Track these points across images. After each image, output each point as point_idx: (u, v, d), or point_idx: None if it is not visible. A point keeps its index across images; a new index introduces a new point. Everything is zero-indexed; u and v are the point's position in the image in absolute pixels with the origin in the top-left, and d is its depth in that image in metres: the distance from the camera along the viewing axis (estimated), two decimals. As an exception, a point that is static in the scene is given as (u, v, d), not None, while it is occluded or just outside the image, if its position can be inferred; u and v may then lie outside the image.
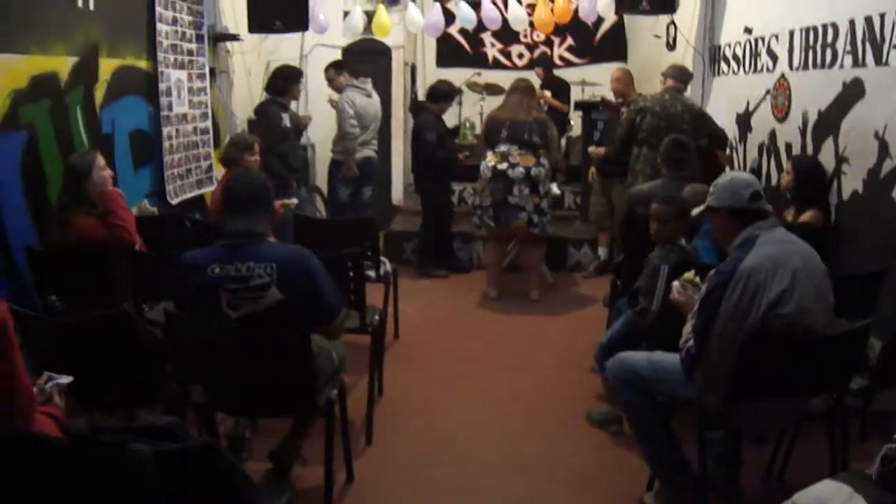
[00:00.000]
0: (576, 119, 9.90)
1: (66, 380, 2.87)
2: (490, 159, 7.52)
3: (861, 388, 3.75)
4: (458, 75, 10.76)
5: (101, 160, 4.83)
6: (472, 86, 10.82)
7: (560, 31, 10.88)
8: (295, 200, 6.25)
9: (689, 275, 3.94)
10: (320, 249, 4.04)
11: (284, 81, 7.92)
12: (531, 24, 9.85)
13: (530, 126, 7.48)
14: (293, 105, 8.32)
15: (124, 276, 4.66)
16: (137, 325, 3.77)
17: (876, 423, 4.10)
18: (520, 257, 8.33)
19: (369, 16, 9.66)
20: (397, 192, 10.90)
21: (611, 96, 8.69)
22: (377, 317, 5.27)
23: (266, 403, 3.89)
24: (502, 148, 7.50)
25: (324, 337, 3.97)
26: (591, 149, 8.51)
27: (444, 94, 8.70)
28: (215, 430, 4.21)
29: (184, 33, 7.44)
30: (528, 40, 11.45)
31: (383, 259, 6.34)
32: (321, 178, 9.58)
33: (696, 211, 3.97)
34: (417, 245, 9.00)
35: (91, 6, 5.74)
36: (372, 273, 6.01)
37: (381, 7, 9.36)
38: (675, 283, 3.95)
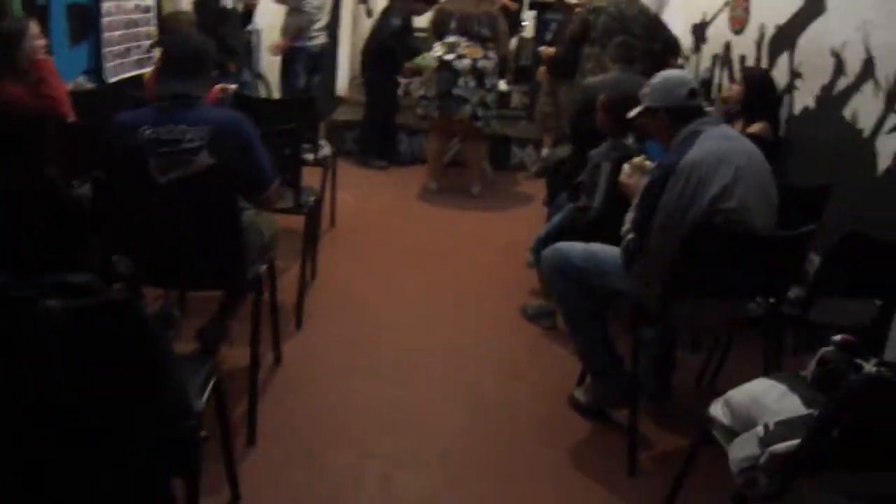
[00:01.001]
0: (530, 20, 9.76)
1: None
2: (437, 50, 7.43)
3: (798, 298, 3.76)
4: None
5: (34, 28, 4.64)
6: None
7: None
8: (233, 86, 6.09)
9: (639, 159, 3.92)
10: (257, 126, 3.84)
11: None
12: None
13: (479, 18, 7.41)
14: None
15: (52, 148, 4.50)
16: (60, 192, 3.67)
17: (811, 335, 4.17)
18: (462, 152, 8.28)
19: None
20: (342, 83, 10.73)
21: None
22: (312, 198, 5.16)
23: (193, 274, 3.77)
24: (450, 39, 7.41)
25: (256, 208, 3.87)
26: (542, 48, 8.43)
27: None
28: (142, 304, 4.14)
29: None
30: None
31: (322, 142, 6.21)
32: (271, 65, 9.34)
33: (632, 112, 3.93)
34: (360, 135, 8.90)
35: None
36: (310, 156, 5.88)
37: None
38: (625, 166, 3.94)
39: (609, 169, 4.35)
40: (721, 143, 3.50)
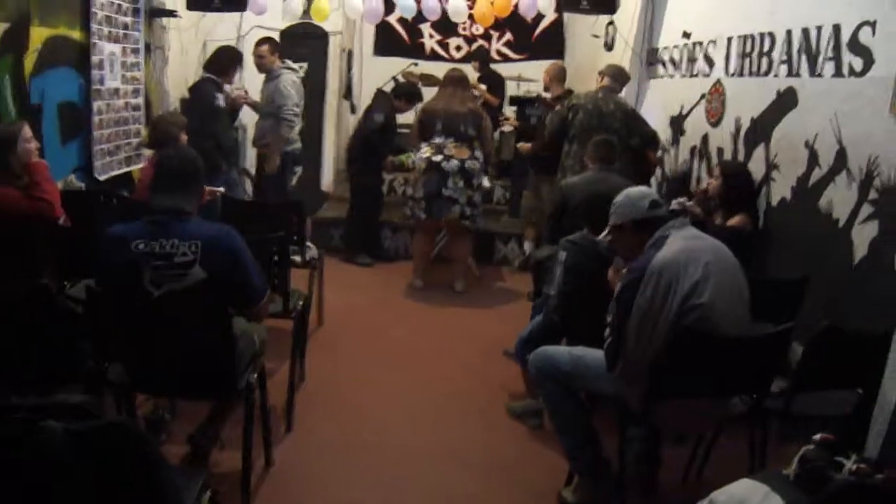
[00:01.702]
0: (510, 113, 9.90)
1: None
2: (424, 151, 7.51)
3: (782, 391, 3.80)
4: (394, 65, 10.74)
5: (27, 131, 4.70)
6: (408, 76, 10.77)
7: (499, 25, 10.76)
8: (222, 189, 6.15)
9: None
10: (247, 232, 3.96)
11: (226, 62, 7.82)
12: (471, 17, 9.83)
13: (465, 118, 7.52)
14: (227, 86, 8.21)
15: (46, 251, 4.56)
16: (56, 299, 3.71)
17: (795, 427, 4.17)
18: (448, 248, 8.36)
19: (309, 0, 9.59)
20: (327, 179, 10.85)
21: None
22: (301, 302, 5.22)
23: (185, 384, 3.83)
24: (437, 140, 7.52)
25: (247, 319, 3.94)
26: (520, 144, 8.54)
27: (406, 92, 8.82)
28: (133, 412, 4.14)
29: (119, 6, 7.27)
30: (467, 33, 11.39)
31: (309, 244, 6.27)
32: (251, 161, 9.44)
33: (602, 236, 4.01)
34: (345, 232, 8.98)
35: None
36: (298, 258, 5.96)
37: (321, -8, 9.31)
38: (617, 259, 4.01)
39: (564, 256, 4.41)
40: (688, 242, 3.62)
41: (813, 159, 5.02)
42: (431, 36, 11.43)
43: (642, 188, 3.94)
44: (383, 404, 5.30)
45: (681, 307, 3.45)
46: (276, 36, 9.34)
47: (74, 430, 2.18)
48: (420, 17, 9.75)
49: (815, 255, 4.90)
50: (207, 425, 4.17)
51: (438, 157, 7.43)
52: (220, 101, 7.65)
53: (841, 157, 4.73)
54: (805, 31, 5.19)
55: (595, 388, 3.87)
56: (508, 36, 11.31)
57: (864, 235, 4.46)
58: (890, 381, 3.41)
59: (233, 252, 3.66)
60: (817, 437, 2.76)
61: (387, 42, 11.39)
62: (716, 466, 4.25)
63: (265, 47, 8.39)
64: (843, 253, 4.61)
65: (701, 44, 7.02)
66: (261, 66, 8.44)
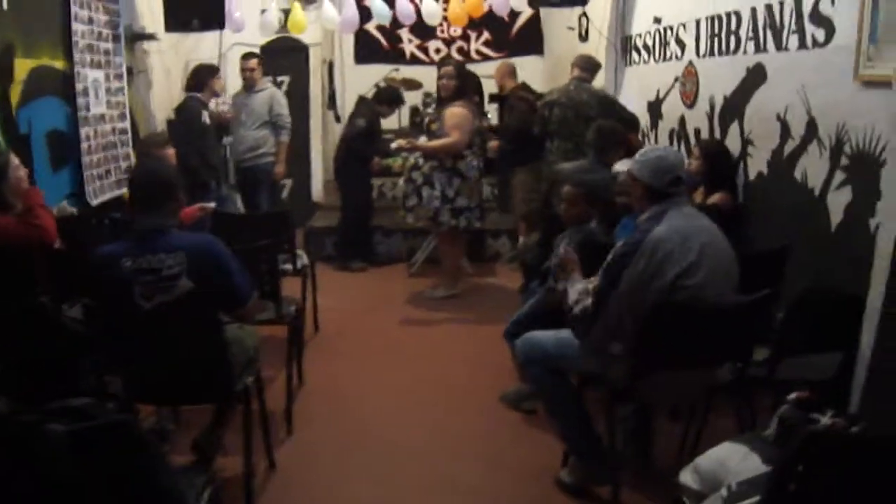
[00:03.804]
0: (492, 112, 9.97)
1: None
2: (471, 158, 7.51)
3: (765, 358, 3.87)
4: (375, 71, 10.83)
5: (14, 160, 4.75)
6: (390, 81, 10.84)
7: (476, 25, 10.85)
8: (212, 204, 6.25)
9: None
10: (238, 243, 4.08)
11: (201, 77, 7.93)
12: (446, 19, 9.91)
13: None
14: (213, 102, 8.31)
15: (43, 275, 4.61)
16: (55, 317, 3.79)
17: (784, 394, 4.25)
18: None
19: (286, 14, 9.65)
20: (317, 189, 10.93)
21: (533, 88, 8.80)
22: (293, 308, 5.31)
23: (182, 392, 3.95)
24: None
25: (237, 322, 4.05)
26: (490, 143, 8.62)
27: (388, 97, 8.93)
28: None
29: (100, 33, 7.35)
30: (445, 35, 11.43)
31: (300, 252, 6.36)
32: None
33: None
34: (337, 239, 9.06)
35: (4, 6, 5.61)
36: (289, 266, 6.06)
37: (297, 5, 9.36)
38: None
39: (566, 241, 4.49)
40: (687, 221, 3.68)
41: (785, 132, 5.10)
42: (410, 41, 11.51)
43: (677, 158, 3.89)
44: (382, 403, 5.38)
45: (671, 285, 3.53)
46: (256, 52, 9.46)
47: (76, 431, 2.27)
48: (398, 22, 9.82)
49: (794, 224, 4.98)
50: (210, 431, 4.25)
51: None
52: (206, 118, 7.75)
53: (811, 127, 4.81)
54: (768, 7, 5.28)
55: (580, 367, 3.95)
56: (486, 35, 11.38)
57: (839, 202, 4.54)
58: (867, 337, 3.53)
59: (215, 257, 3.73)
60: (793, 395, 2.85)
61: (367, 50, 11.47)
62: (710, 440, 4.25)
63: (255, 61, 8.63)
64: (821, 220, 4.69)
65: (672, 28, 7.11)
66: (250, 81, 8.65)
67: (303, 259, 6.33)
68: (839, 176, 4.54)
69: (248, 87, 8.63)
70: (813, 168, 4.81)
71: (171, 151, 6.23)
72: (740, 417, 3.91)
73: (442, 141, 7.27)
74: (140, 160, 4.65)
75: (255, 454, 4.08)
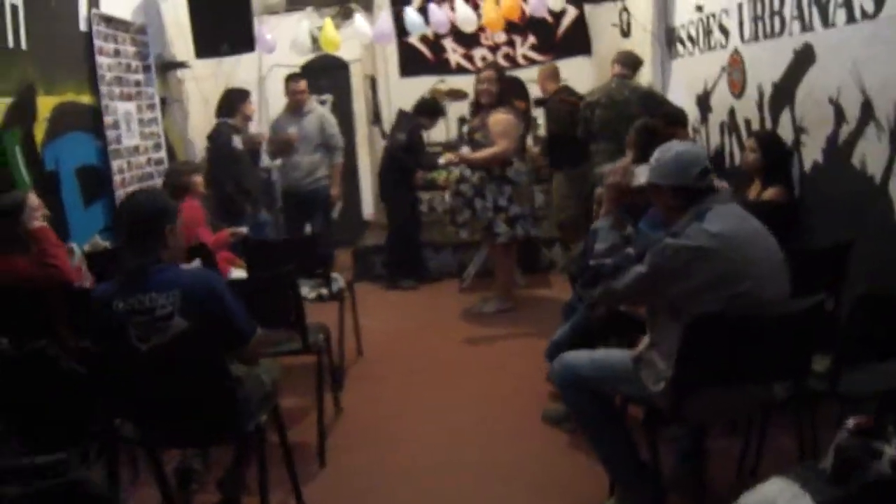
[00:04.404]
0: (540, 117, 9.73)
1: None
2: (520, 166, 7.33)
3: (826, 370, 3.48)
4: (422, 84, 10.61)
5: (32, 199, 4.65)
6: (435, 93, 10.62)
7: (521, 29, 10.71)
8: (244, 229, 6.06)
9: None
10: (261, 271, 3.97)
11: (231, 102, 7.79)
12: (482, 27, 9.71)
13: None
14: (252, 126, 8.14)
15: (62, 315, 4.48)
16: (59, 361, 3.62)
17: (851, 407, 3.88)
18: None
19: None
20: (367, 207, 10.76)
21: (581, 90, 8.52)
22: (321, 336, 5.07)
23: (191, 434, 3.75)
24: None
25: (240, 362, 3.79)
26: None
27: (428, 109, 8.71)
28: (160, 464, 3.99)
29: (129, 65, 7.30)
30: (490, 42, 11.24)
31: (335, 275, 6.14)
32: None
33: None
34: (386, 257, 8.83)
35: (23, 46, 5.61)
36: (324, 291, 5.88)
37: (329, 22, 9.21)
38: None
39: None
40: (733, 222, 3.32)
41: (839, 115, 4.74)
42: (455, 50, 11.32)
43: (696, 150, 3.56)
44: (424, 426, 5.18)
45: (718, 291, 3.19)
46: (297, 70, 9.30)
47: (30, 494, 2.27)
48: (442, 33, 9.83)
49: (855, 217, 4.63)
50: (232, 471, 4.09)
51: None
52: (237, 143, 7.57)
53: (867, 108, 4.45)
54: (812, -20, 4.93)
55: (619, 391, 3.63)
56: (532, 39, 11.15)
57: (903, 189, 4.18)
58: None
59: (213, 298, 3.51)
60: (850, 423, 2.48)
61: (411, 62, 11.30)
62: (771, 459, 3.96)
63: (304, 82, 8.46)
64: (883, 211, 4.33)
65: (714, 15, 6.76)
66: (299, 103, 8.44)
67: (338, 283, 6.09)
68: (902, 160, 4.17)
69: (296, 109, 8.42)
70: (871, 153, 4.44)
71: (198, 179, 6.12)
72: (802, 435, 3.56)
73: (491, 150, 7.08)
74: (131, 192, 4.48)
75: (282, 490, 4.01)
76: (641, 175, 3.58)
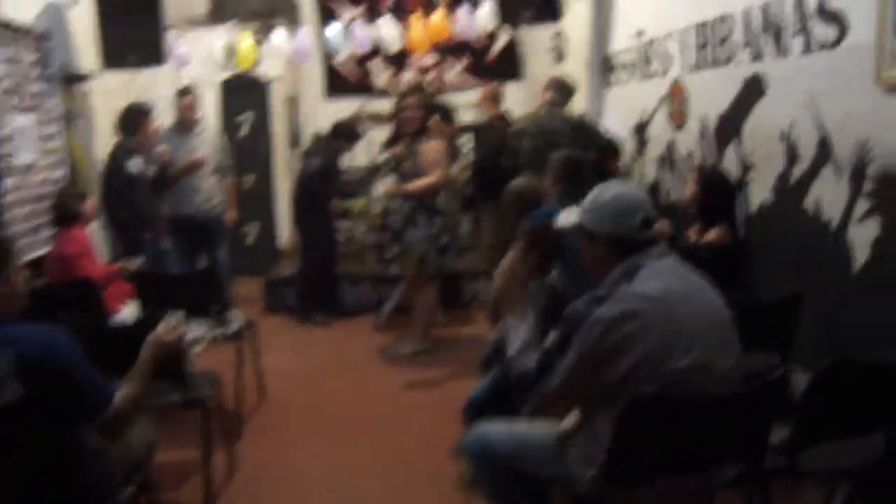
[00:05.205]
0: (467, 142, 9.35)
1: None
2: (447, 195, 6.90)
3: (782, 443, 2.99)
4: (346, 106, 10.11)
5: None
6: (359, 116, 10.05)
7: (452, 51, 10.41)
8: (136, 262, 5.50)
9: None
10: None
11: (131, 120, 7.13)
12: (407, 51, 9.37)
13: None
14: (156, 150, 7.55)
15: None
16: None
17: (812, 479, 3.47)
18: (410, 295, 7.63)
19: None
20: (283, 235, 10.22)
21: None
22: (209, 389, 4.48)
23: None
24: None
25: (101, 436, 3.14)
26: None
27: (343, 132, 8.13)
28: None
29: (27, 75, 6.69)
30: (419, 65, 10.86)
31: (232, 314, 5.62)
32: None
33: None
34: (298, 288, 8.29)
35: None
36: (219, 331, 5.37)
37: (246, 37, 8.72)
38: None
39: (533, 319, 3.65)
40: (667, 281, 2.80)
41: (792, 152, 4.38)
42: (382, 72, 10.90)
43: (637, 195, 2.99)
44: (330, 488, 4.64)
45: (636, 372, 2.66)
46: (216, 88, 8.78)
47: None
48: (369, 54, 9.64)
49: (805, 266, 4.25)
50: None
51: None
52: (133, 167, 6.94)
53: (824, 145, 4.08)
54: (765, 7, 4.56)
55: (539, 472, 3.06)
56: (463, 62, 10.80)
57: (862, 236, 3.78)
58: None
59: (57, 361, 2.86)
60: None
61: (336, 83, 10.92)
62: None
63: (190, 98, 7.68)
64: (838, 262, 3.93)
65: (655, 41, 6.42)
66: (189, 120, 7.69)
67: (235, 323, 5.54)
68: (863, 204, 3.78)
69: (187, 126, 7.74)
70: (829, 195, 4.06)
71: (89, 205, 5.64)
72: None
73: (427, 180, 6.65)
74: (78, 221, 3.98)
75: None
76: (570, 215, 3.09)
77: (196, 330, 4.96)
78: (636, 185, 3.07)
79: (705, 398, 2.68)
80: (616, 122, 7.40)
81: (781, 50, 4.42)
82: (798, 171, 4.31)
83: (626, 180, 6.94)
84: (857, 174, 3.78)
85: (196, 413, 4.30)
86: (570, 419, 3.02)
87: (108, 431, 3.10)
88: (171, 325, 3.34)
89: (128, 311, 5.21)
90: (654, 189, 6.44)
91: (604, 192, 2.96)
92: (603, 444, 2.71)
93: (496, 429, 3.21)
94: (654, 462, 2.73)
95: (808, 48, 4.16)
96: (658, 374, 2.63)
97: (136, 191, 6.94)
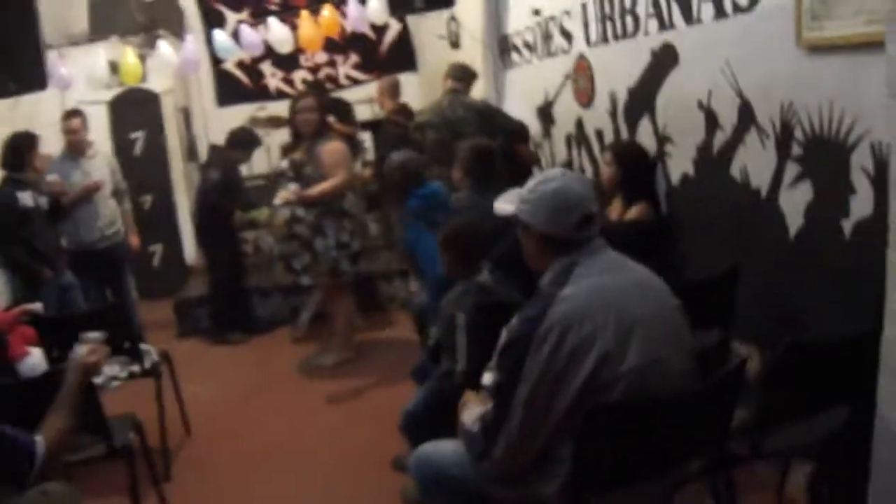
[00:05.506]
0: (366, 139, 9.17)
1: None
2: (354, 197, 6.61)
3: (743, 427, 2.87)
4: (240, 112, 9.82)
5: None
6: (255, 121, 9.81)
7: (342, 48, 10.28)
8: (38, 306, 5.12)
9: None
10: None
11: (17, 152, 6.66)
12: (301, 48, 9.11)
13: None
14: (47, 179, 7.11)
15: None
16: None
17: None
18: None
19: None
20: (190, 252, 9.85)
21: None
22: (130, 434, 4.15)
23: None
24: None
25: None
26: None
27: (240, 140, 7.74)
28: None
29: None
30: (311, 64, 10.64)
31: (146, 347, 5.24)
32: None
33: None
34: (210, 308, 7.96)
35: None
36: (136, 368, 5.01)
37: (128, 52, 8.35)
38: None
39: (465, 320, 3.45)
40: (603, 279, 2.62)
41: (711, 121, 4.22)
42: (274, 74, 10.76)
43: (582, 190, 2.73)
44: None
45: (596, 378, 2.48)
46: (103, 107, 8.39)
47: None
48: (259, 57, 9.43)
49: (737, 237, 4.11)
50: None
51: None
52: (25, 201, 6.50)
53: (745, 112, 3.92)
54: (668, -26, 4.39)
55: (497, 492, 2.82)
56: (355, 58, 10.68)
57: (795, 202, 3.64)
58: (888, 399, 2.53)
59: None
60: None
61: (228, 90, 10.74)
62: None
63: (78, 120, 7.23)
64: (773, 229, 3.79)
65: (554, 18, 6.23)
66: (77, 145, 7.27)
67: (151, 356, 5.18)
68: (792, 169, 3.63)
69: (77, 151, 7.32)
70: (755, 163, 3.91)
71: None
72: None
73: (329, 183, 6.26)
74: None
75: None
76: (507, 204, 2.87)
77: (109, 370, 4.64)
78: (580, 178, 2.83)
79: (667, 400, 2.51)
80: (520, 104, 7.23)
81: (692, 17, 4.26)
82: (720, 140, 4.16)
83: (568, 170, 6.81)
84: (784, 139, 3.64)
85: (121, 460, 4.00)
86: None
87: (44, 477, 2.85)
88: (91, 346, 3.18)
89: (35, 356, 4.86)
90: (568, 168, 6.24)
91: (545, 182, 2.75)
92: (562, 460, 2.51)
93: (443, 449, 2.98)
94: (619, 470, 2.54)
95: (721, 13, 4.00)
96: (616, 377, 2.44)
97: (31, 226, 6.50)
